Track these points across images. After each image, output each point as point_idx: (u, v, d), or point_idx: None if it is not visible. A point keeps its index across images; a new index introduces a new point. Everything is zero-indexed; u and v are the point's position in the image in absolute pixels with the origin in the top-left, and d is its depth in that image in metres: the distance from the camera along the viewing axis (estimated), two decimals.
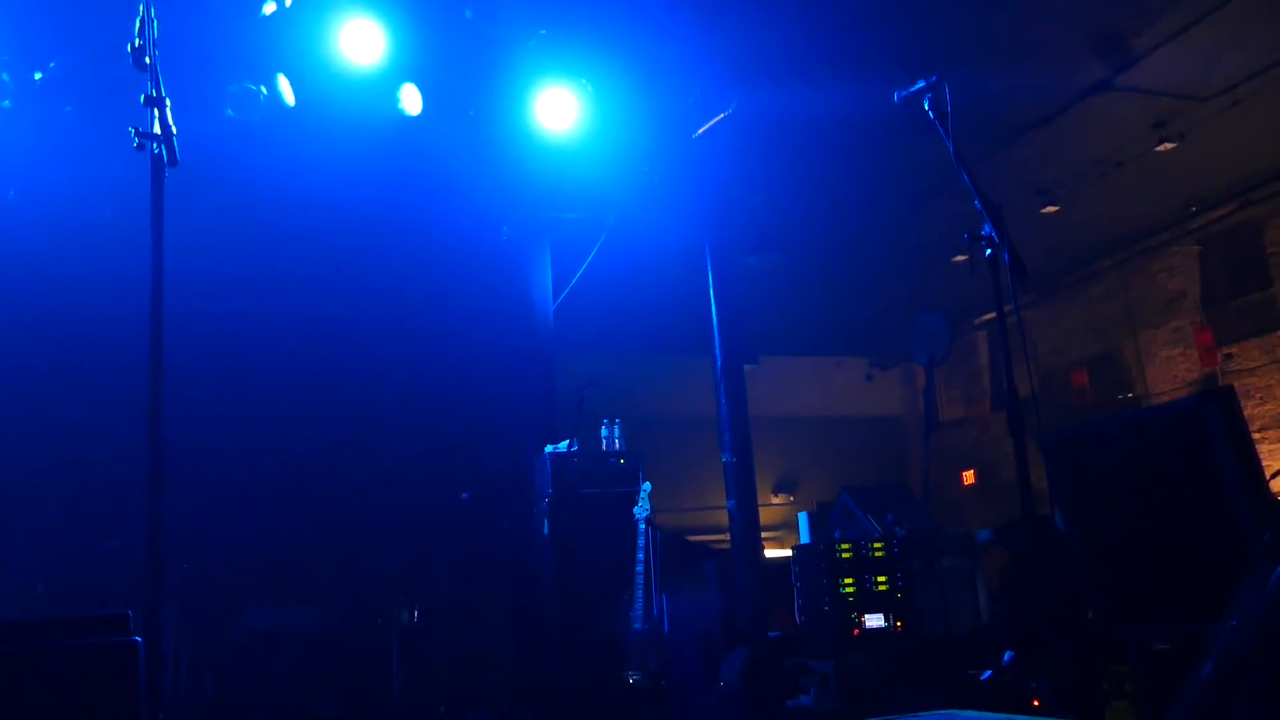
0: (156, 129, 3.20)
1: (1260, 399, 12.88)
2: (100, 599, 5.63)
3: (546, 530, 6.83)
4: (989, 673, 5.85)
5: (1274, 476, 9.52)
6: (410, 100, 6.91)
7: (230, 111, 6.47)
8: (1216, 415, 4.02)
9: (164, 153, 3.19)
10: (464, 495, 7.24)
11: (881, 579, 6.31)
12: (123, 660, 2.85)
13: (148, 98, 3.21)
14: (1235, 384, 12.71)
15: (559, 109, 7.35)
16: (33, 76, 6.13)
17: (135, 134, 3.18)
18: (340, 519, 6.83)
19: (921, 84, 3.88)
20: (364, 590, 6.73)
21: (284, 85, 6.56)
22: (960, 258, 12.02)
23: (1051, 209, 11.95)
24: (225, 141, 6.45)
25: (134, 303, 3.33)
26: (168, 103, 3.23)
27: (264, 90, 6.49)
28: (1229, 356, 13.45)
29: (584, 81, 7.36)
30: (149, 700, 2.84)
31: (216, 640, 6.14)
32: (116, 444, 5.39)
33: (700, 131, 7.91)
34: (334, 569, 6.70)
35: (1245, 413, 4.31)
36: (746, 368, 8.28)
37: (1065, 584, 5.05)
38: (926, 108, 3.86)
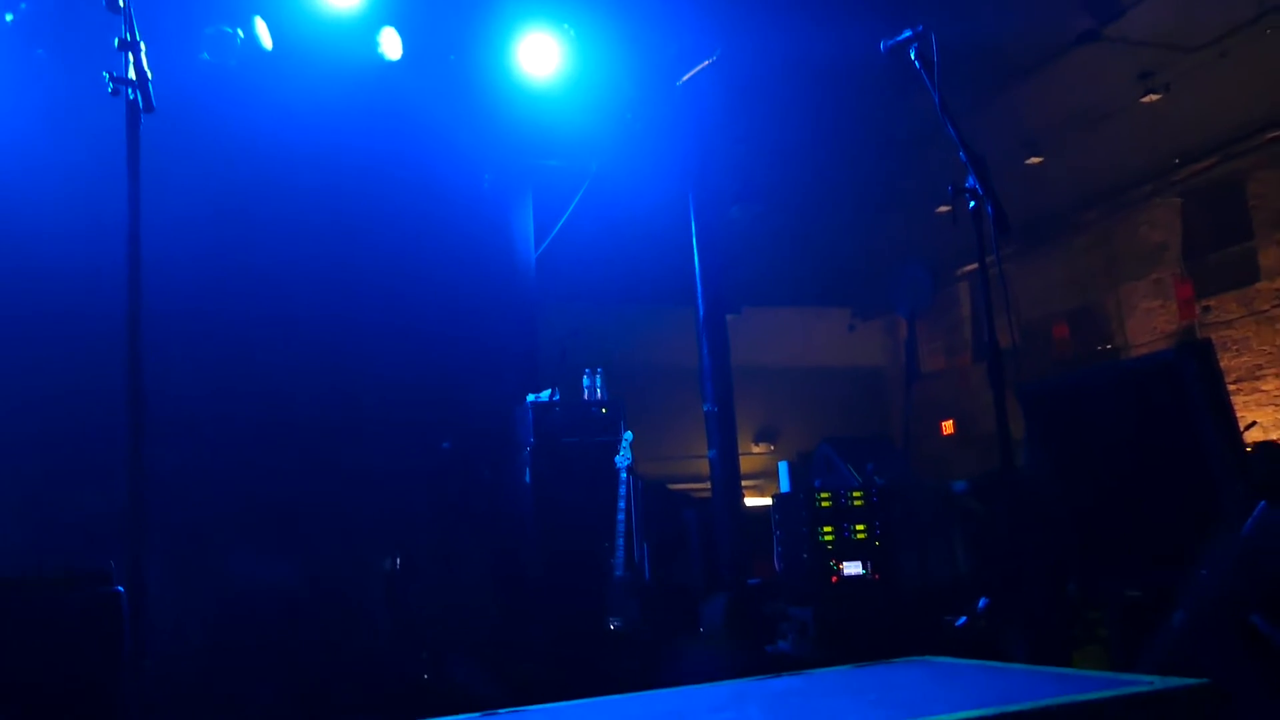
0: (131, 74, 3.14)
1: (1236, 351, 12.99)
2: (82, 549, 5.63)
3: (528, 479, 6.85)
4: (964, 619, 5.95)
5: (1248, 428, 9.63)
6: (390, 45, 6.81)
7: (206, 55, 6.36)
8: (1194, 368, 4.06)
9: (139, 99, 3.14)
10: (445, 444, 7.25)
11: (860, 528, 6.37)
12: (107, 611, 2.86)
13: (122, 41, 3.15)
14: (1212, 336, 12.82)
15: (541, 54, 7.26)
16: (3, 18, 6.00)
17: (109, 79, 3.12)
18: (322, 468, 6.82)
19: (908, 33, 3.84)
20: (347, 539, 6.75)
21: (261, 29, 6.45)
22: (944, 208, 12.00)
23: (1036, 160, 11.95)
24: (201, 86, 6.35)
25: (111, 249, 3.29)
26: (142, 47, 3.17)
27: (240, 34, 6.38)
28: (1207, 309, 13.54)
29: (566, 26, 7.27)
30: (133, 649, 2.85)
31: (200, 589, 6.15)
32: (96, 393, 5.34)
33: (684, 79, 7.83)
34: (316, 517, 6.71)
35: (1221, 365, 4.34)
36: (729, 317, 8.28)
37: (1038, 533, 5.12)
38: (913, 58, 3.83)
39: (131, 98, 3.15)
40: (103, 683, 2.84)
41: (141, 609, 2.82)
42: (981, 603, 5.81)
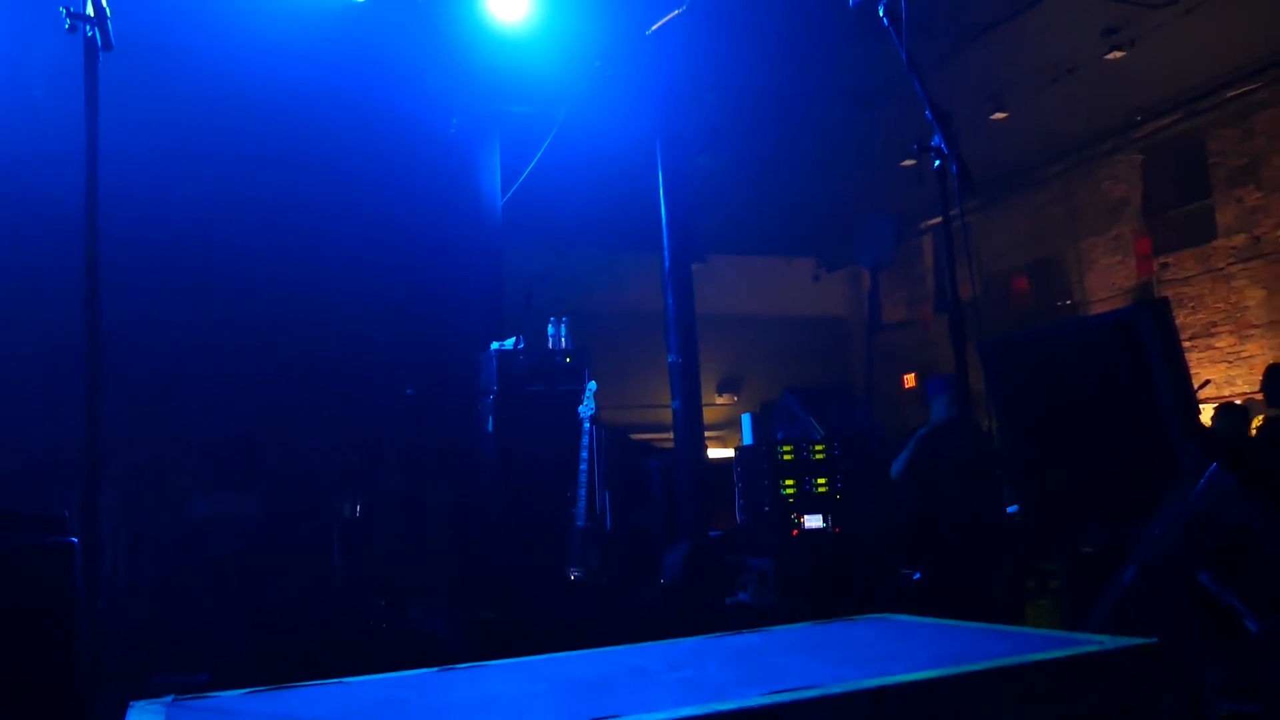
0: (89, 10, 3.04)
1: (1192, 308, 13.17)
2: (36, 485, 5.56)
3: (491, 427, 6.85)
4: (920, 573, 6.05)
5: (1202, 386, 9.80)
6: None
7: None
8: (1151, 327, 4.12)
9: (97, 36, 3.04)
10: (409, 390, 7.21)
11: (821, 481, 6.43)
12: (58, 560, 2.82)
13: None
14: (1169, 293, 12.99)
15: None
16: None
17: (66, 15, 3.02)
18: (284, 410, 6.78)
19: None
20: (307, 482, 6.73)
21: None
22: (909, 162, 12.03)
23: (1001, 115, 11.96)
24: (166, 18, 6.20)
25: (69, 186, 3.22)
26: None
27: None
28: (1165, 265, 13.70)
29: None
30: (86, 591, 2.83)
31: (157, 527, 6.12)
32: (52, 329, 5.25)
33: (654, 28, 7.74)
34: (277, 460, 6.68)
35: (1177, 322, 4.41)
36: (694, 265, 8.27)
37: (990, 487, 5.19)
38: (881, 14, 3.80)
39: (89, 35, 3.05)
40: (53, 629, 2.82)
41: (96, 552, 2.80)
42: (916, 574, 5.94)
